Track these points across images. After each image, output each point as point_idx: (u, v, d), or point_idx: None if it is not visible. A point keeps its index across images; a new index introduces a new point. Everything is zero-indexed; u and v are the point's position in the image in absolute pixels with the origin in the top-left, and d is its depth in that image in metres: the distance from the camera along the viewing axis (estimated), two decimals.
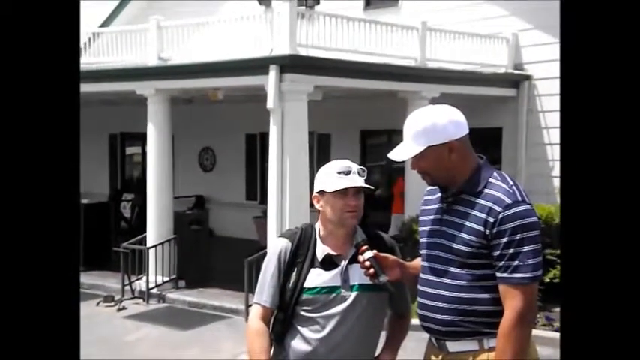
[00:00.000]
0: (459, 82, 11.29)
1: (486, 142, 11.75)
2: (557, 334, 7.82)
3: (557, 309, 8.72)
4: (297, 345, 2.97)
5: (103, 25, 15.68)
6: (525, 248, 2.63)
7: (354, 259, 2.95)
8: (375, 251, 2.88)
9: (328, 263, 2.98)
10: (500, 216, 2.65)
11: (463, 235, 2.72)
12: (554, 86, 10.83)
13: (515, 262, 2.63)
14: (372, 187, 2.97)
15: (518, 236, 2.63)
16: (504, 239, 2.64)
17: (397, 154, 2.83)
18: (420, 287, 2.88)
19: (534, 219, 2.69)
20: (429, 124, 2.76)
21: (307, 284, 2.95)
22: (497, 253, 2.65)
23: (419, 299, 2.88)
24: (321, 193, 2.99)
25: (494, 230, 2.65)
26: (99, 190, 15.72)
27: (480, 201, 2.71)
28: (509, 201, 2.67)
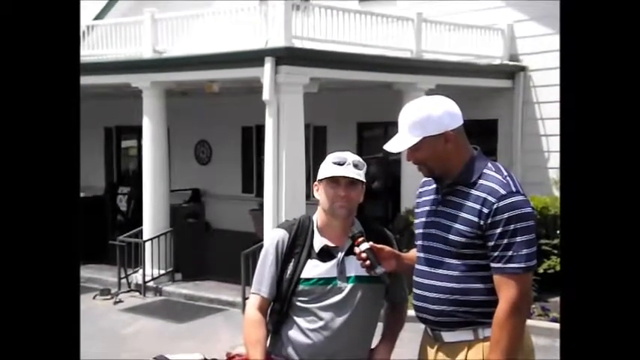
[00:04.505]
0: (455, 74, 11.28)
1: (482, 134, 11.75)
2: (553, 325, 7.86)
3: (553, 299, 8.75)
4: (294, 336, 2.98)
5: (97, 18, 15.61)
6: (519, 239, 2.64)
7: (350, 251, 2.96)
8: (371, 243, 2.89)
9: (325, 254, 2.99)
10: (495, 206, 2.66)
11: (458, 225, 2.73)
12: (550, 77, 10.84)
13: (510, 253, 2.64)
14: (361, 180, 2.98)
15: (512, 227, 2.64)
16: (498, 230, 2.65)
17: (393, 146, 2.83)
18: (415, 278, 2.90)
19: (528, 209, 2.71)
20: (425, 114, 2.77)
21: (304, 275, 2.97)
22: (492, 243, 2.67)
23: (414, 290, 2.89)
24: (320, 181, 3.02)
25: (489, 221, 2.67)
26: (95, 183, 15.69)
27: (474, 192, 2.72)
28: (503, 192, 2.68)
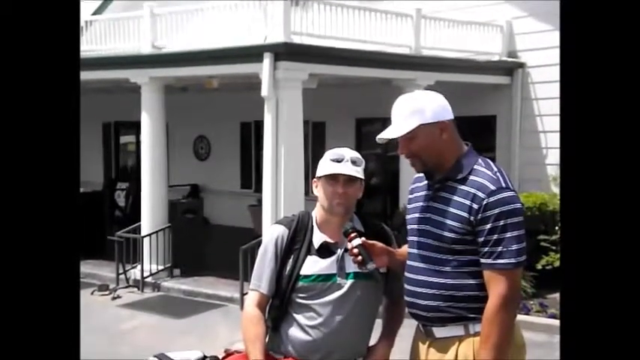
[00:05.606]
0: (454, 70, 11.29)
1: (481, 130, 11.76)
2: (551, 321, 7.86)
3: (551, 295, 8.77)
4: (293, 332, 2.98)
5: (95, 13, 15.59)
6: (509, 234, 2.65)
7: None
8: (363, 239, 2.89)
9: (324, 251, 3.00)
10: (485, 202, 2.67)
11: (448, 221, 2.74)
12: (548, 74, 10.83)
13: (500, 248, 2.65)
14: (360, 177, 2.98)
15: (502, 222, 2.65)
16: (488, 225, 2.66)
17: (389, 132, 2.81)
18: (406, 274, 2.90)
19: (518, 205, 2.71)
20: (420, 104, 2.79)
21: (303, 272, 2.97)
22: (482, 239, 2.67)
23: (405, 286, 2.90)
24: (318, 178, 3.01)
25: (479, 216, 2.67)
26: (93, 178, 15.69)
27: (464, 187, 2.73)
28: (493, 187, 2.69)
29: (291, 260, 2.99)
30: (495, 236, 2.65)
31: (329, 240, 3.01)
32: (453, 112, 2.85)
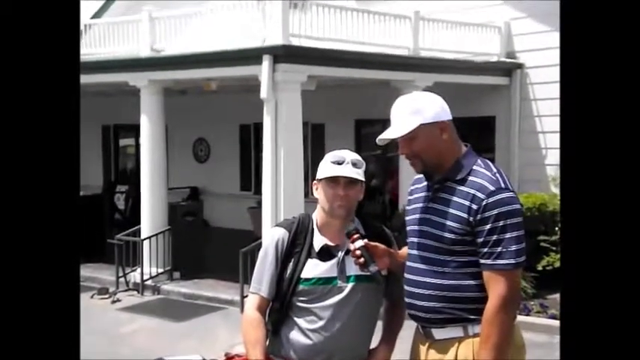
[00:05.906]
0: (452, 71, 11.29)
1: (480, 131, 11.77)
2: (551, 321, 7.87)
3: (552, 296, 8.77)
4: (294, 336, 2.97)
5: (95, 17, 15.60)
6: (509, 235, 2.65)
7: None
8: (365, 240, 2.89)
9: (325, 254, 2.99)
10: (484, 203, 2.67)
11: (448, 222, 2.74)
12: (547, 74, 10.84)
13: (499, 249, 2.65)
14: (361, 179, 2.97)
15: (501, 223, 2.65)
16: (488, 226, 2.66)
17: (390, 133, 2.81)
18: (406, 275, 2.90)
19: (517, 206, 2.72)
20: (420, 104, 2.80)
21: (304, 275, 2.96)
22: (481, 239, 2.68)
23: (405, 287, 2.90)
24: (319, 180, 3.01)
25: (478, 217, 2.67)
26: (93, 181, 15.67)
27: (463, 188, 2.74)
28: (492, 188, 2.69)
29: (291, 263, 2.98)
30: (495, 237, 2.65)
31: (329, 243, 3.00)
32: (452, 113, 2.85)
